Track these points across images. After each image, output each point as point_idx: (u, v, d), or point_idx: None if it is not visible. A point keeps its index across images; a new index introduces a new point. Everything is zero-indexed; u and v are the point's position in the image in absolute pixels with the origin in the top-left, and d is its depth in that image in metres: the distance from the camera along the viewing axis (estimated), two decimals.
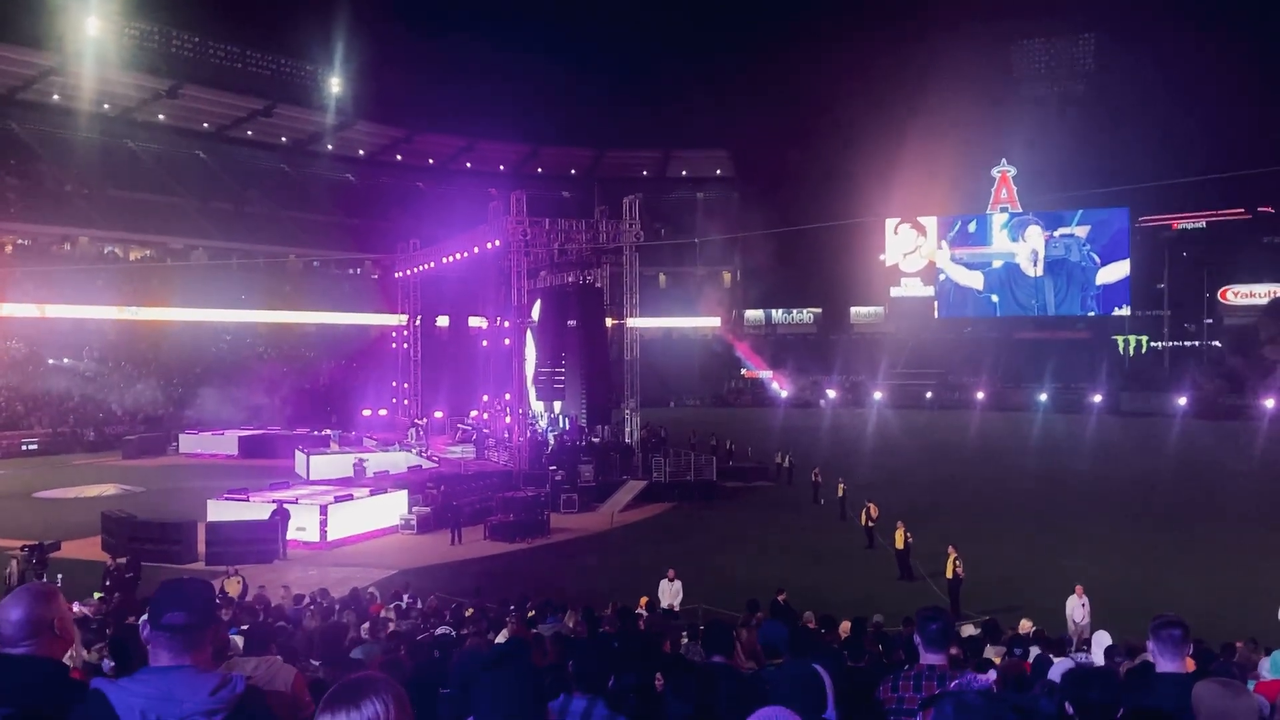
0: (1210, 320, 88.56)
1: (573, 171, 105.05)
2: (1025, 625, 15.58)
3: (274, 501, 28.73)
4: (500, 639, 12.14)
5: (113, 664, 7.53)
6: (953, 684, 4.19)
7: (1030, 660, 9.27)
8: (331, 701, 2.59)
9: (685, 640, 11.34)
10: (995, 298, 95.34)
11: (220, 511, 29.07)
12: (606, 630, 12.83)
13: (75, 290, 61.31)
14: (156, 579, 21.97)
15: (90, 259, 67.94)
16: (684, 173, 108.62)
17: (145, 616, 3.15)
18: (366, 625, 12.59)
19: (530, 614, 15.68)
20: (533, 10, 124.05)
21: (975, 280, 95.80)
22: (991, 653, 11.32)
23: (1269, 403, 67.43)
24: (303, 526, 28.48)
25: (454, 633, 11.38)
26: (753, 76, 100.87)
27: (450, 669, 6.77)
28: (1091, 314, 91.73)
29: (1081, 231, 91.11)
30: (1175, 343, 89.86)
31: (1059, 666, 6.89)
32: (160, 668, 3.00)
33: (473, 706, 2.91)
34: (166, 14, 74.87)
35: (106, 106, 74.65)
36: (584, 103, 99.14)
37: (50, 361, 57.64)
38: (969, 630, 14.43)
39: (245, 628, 9.73)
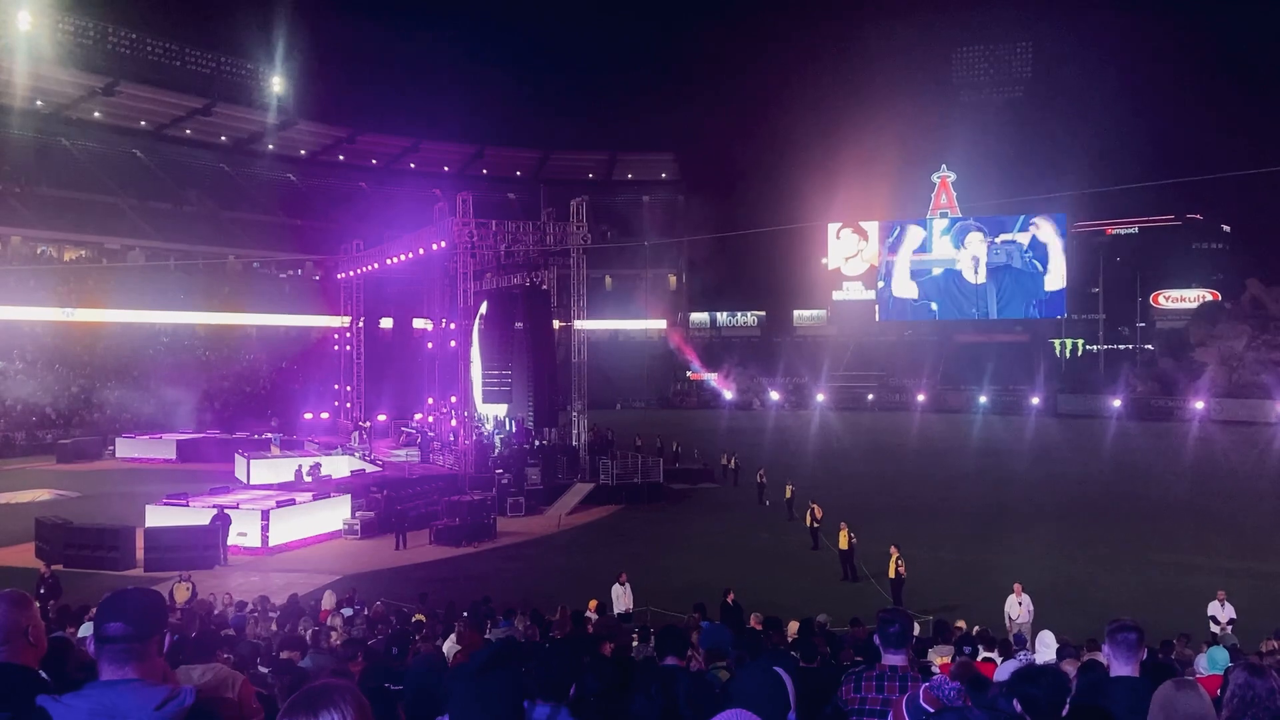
0: (1143, 324, 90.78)
1: (518, 173, 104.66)
2: (960, 625, 15.87)
3: (214, 507, 28.28)
4: (448, 644, 12.10)
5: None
6: (922, 686, 4.27)
7: (979, 660, 9.45)
8: (291, 710, 2.55)
9: (636, 643, 11.39)
10: (935, 305, 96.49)
11: (159, 517, 28.53)
12: (556, 635, 12.85)
13: (8, 291, 59.71)
14: (89, 586, 21.58)
15: (23, 259, 66.31)
16: (630, 175, 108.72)
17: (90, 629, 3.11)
18: (311, 632, 12.45)
19: (465, 615, 15.63)
20: (478, 10, 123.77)
21: (911, 290, 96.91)
22: (935, 653, 11.49)
23: (1198, 404, 69.23)
24: (244, 532, 28.05)
25: (404, 641, 11.30)
26: (698, 81, 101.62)
27: (405, 674, 6.74)
28: (1033, 315, 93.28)
29: (1024, 238, 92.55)
30: (1110, 346, 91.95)
31: (1005, 667, 7.03)
32: (106, 681, 2.94)
33: (455, 711, 2.89)
34: (103, 10, 73.26)
35: (40, 103, 72.85)
36: (530, 104, 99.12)
37: None
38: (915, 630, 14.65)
39: (193, 635, 9.58)
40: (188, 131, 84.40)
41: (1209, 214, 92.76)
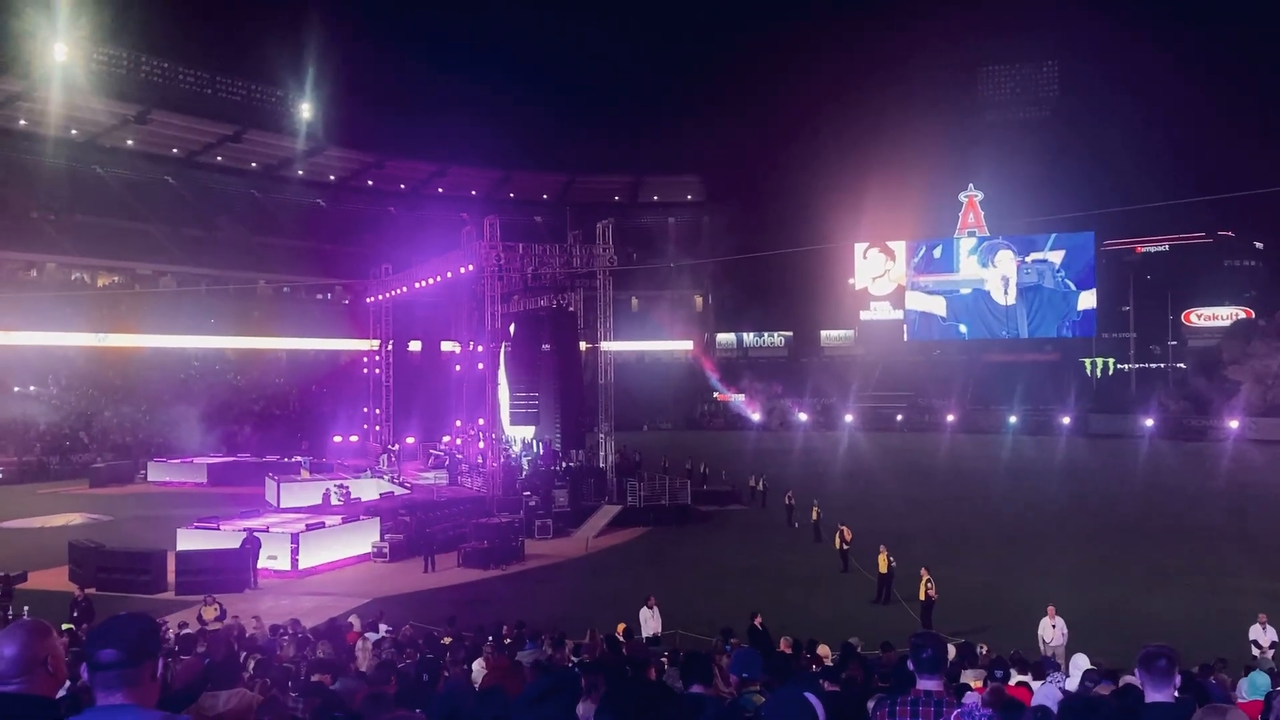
0: (1174, 342, 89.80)
1: (545, 196, 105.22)
2: (982, 648, 15.69)
3: (245, 530, 28.43)
4: (476, 667, 12.08)
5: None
6: (954, 714, 4.22)
7: (1012, 684, 9.33)
8: None
9: (666, 666, 11.32)
10: (964, 327, 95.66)
11: (190, 540, 28.72)
12: (585, 658, 12.79)
13: (42, 317, 60.51)
14: (122, 610, 21.72)
15: (57, 285, 67.17)
16: (655, 197, 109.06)
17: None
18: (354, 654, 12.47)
19: (507, 641, 15.60)
20: (504, 36, 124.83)
21: (938, 305, 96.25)
22: (970, 676, 11.35)
23: (1233, 423, 68.34)
24: (274, 555, 28.20)
25: (434, 668, 11.28)
26: (722, 103, 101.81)
27: (433, 699, 6.73)
28: (1065, 336, 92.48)
29: (1055, 257, 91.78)
30: (1141, 365, 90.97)
31: (1043, 692, 6.94)
32: (102, 707, 2.94)
33: None
34: (136, 39, 74.45)
35: (74, 132, 74.01)
36: (556, 128, 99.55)
37: (16, 389, 56.77)
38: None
39: (216, 661, 9.59)
40: (219, 158, 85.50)
41: (1241, 231, 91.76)
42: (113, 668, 2.95)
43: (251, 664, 11.44)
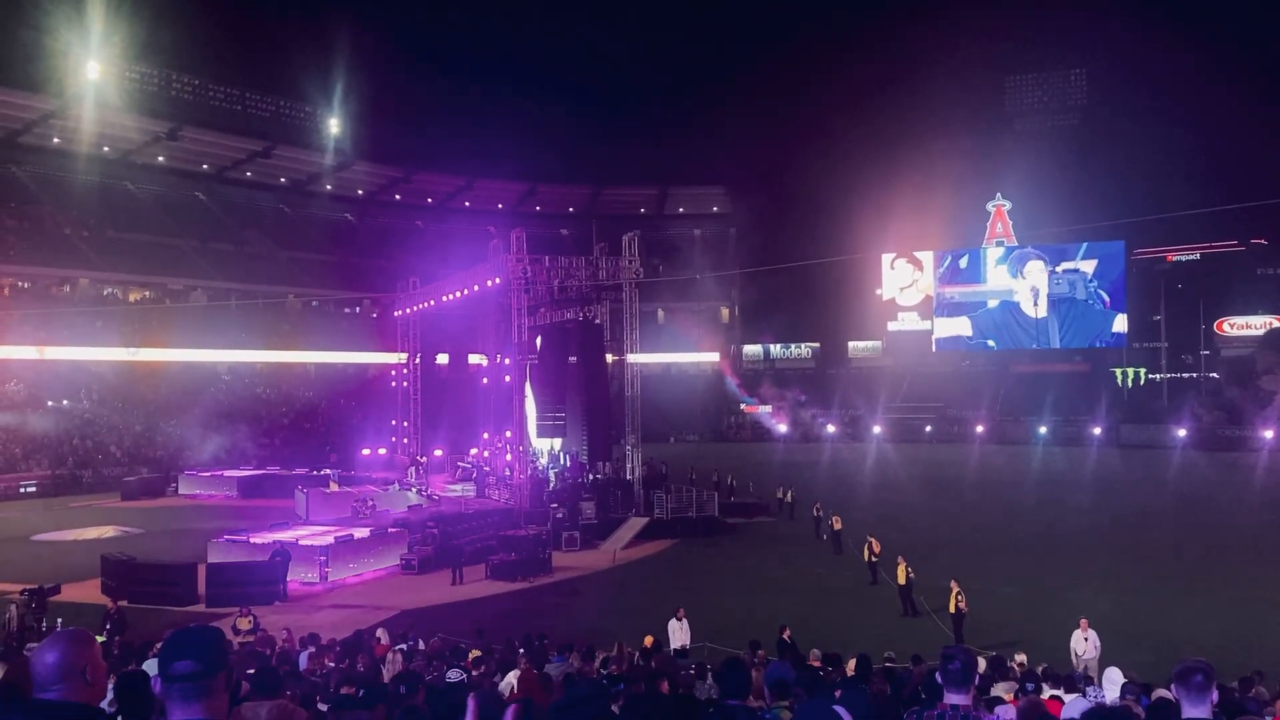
0: (1207, 352, 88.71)
1: (571, 209, 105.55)
2: (1020, 659, 15.53)
3: (274, 543, 28.62)
4: (509, 679, 12.08)
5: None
6: None
7: (1045, 697, 9.24)
8: None
9: (695, 680, 11.28)
10: (992, 343, 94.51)
11: (220, 553, 28.95)
12: (613, 670, 12.77)
13: (74, 332, 61.28)
14: (154, 622, 21.91)
15: (90, 301, 68.00)
16: (681, 209, 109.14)
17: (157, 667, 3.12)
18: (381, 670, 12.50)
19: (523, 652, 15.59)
20: (530, 51, 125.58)
21: (963, 327, 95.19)
22: (1002, 689, 11.24)
23: (1267, 433, 67.45)
24: (303, 568, 28.36)
25: (465, 676, 11.28)
26: (748, 114, 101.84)
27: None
28: (1096, 346, 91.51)
29: (1088, 266, 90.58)
30: (1173, 374, 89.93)
31: (1073, 705, 6.86)
32: None
33: None
34: (167, 57, 75.63)
35: (106, 149, 75.08)
36: (581, 141, 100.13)
37: (49, 403, 57.50)
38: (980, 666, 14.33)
39: (250, 671, 9.62)
40: (248, 173, 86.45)
41: (1275, 238, 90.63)
42: (190, 679, 2.99)
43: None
